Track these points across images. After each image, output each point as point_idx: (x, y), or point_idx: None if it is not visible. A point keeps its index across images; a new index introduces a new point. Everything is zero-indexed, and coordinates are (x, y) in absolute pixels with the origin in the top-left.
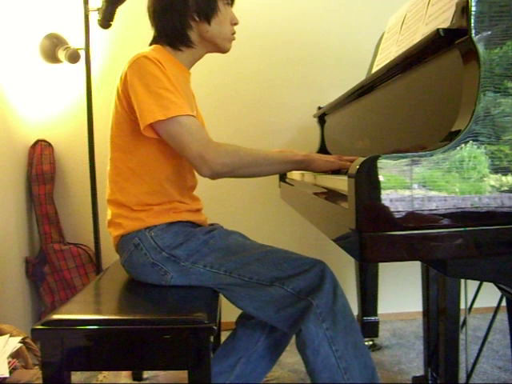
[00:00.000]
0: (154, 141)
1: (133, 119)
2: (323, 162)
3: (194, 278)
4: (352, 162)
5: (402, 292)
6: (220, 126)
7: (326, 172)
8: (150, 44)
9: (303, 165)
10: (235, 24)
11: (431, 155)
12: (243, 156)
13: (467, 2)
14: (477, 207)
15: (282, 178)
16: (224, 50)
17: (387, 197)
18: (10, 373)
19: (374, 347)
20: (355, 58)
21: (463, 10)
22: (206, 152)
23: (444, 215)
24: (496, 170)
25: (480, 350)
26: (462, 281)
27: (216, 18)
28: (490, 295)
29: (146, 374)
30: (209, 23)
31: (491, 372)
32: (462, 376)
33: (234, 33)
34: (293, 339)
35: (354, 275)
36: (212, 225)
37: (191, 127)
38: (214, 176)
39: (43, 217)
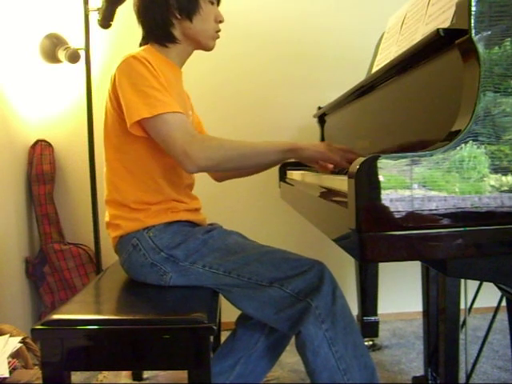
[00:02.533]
0: (147, 139)
1: (123, 118)
2: (312, 152)
3: (193, 278)
4: (343, 151)
5: (402, 292)
6: (220, 125)
7: (325, 172)
8: (140, 43)
9: (291, 154)
10: (220, 22)
11: (431, 155)
12: (228, 149)
13: (467, 2)
14: (477, 207)
15: (282, 177)
16: (207, 48)
17: (387, 197)
18: (10, 373)
19: (374, 347)
20: (355, 58)
21: (463, 10)
22: (190, 148)
23: (444, 215)
24: (496, 169)
25: (480, 350)
26: (462, 281)
27: (198, 16)
28: (490, 295)
29: (146, 373)
30: (190, 21)
31: (491, 372)
32: (462, 376)
33: (218, 30)
34: (292, 339)
35: (354, 275)
36: (211, 225)
37: (176, 124)
38: (200, 171)
39: (43, 217)
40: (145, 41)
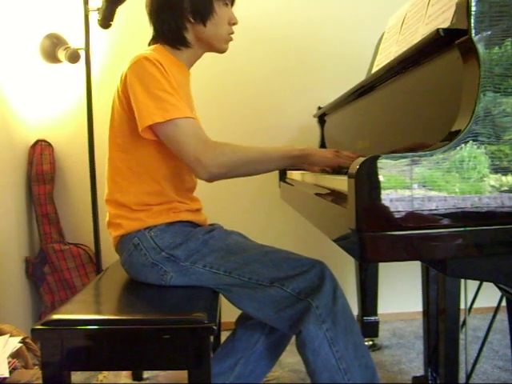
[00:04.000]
0: (153, 141)
1: (132, 119)
2: (320, 158)
3: (194, 278)
4: (351, 157)
5: (402, 292)
6: (220, 125)
7: (325, 171)
8: (150, 43)
9: (300, 160)
10: (234, 24)
11: (431, 155)
12: (240, 156)
13: (467, 1)
14: (477, 207)
15: (282, 177)
16: (220, 51)
17: (387, 197)
18: (10, 373)
19: (374, 347)
20: (355, 59)
21: (463, 10)
22: (203, 154)
23: (444, 215)
24: (496, 169)
25: (480, 350)
26: (462, 281)
27: (212, 20)
28: (490, 295)
29: (146, 373)
30: (204, 25)
31: (491, 372)
32: (462, 376)
33: (231, 33)
34: (293, 339)
35: (354, 275)
36: (212, 225)
37: (189, 130)
38: (212, 178)
39: (43, 217)
40: (154, 41)
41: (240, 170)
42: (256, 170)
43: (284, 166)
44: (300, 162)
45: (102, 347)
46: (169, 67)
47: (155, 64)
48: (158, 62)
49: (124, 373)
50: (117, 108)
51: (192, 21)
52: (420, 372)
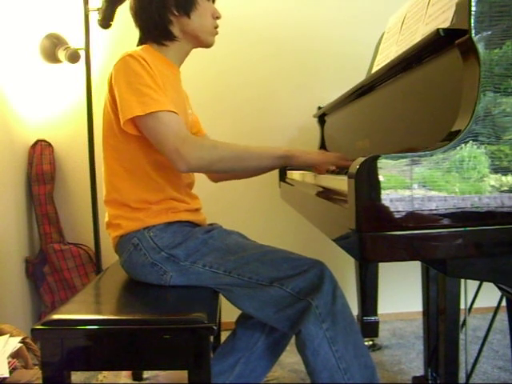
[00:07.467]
0: (141, 138)
1: (118, 117)
2: (305, 158)
3: (194, 277)
4: (339, 158)
5: (402, 292)
6: (219, 125)
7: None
8: (137, 45)
9: (284, 160)
10: (217, 18)
11: (431, 155)
12: (220, 151)
13: (467, 2)
14: (477, 207)
15: (282, 177)
16: (207, 44)
17: (387, 197)
18: (10, 373)
19: (374, 347)
20: (355, 58)
21: (463, 10)
22: (182, 147)
23: (444, 215)
24: (496, 169)
25: (480, 350)
26: (462, 281)
27: (195, 12)
28: (490, 295)
29: (146, 373)
30: (188, 17)
31: (491, 372)
32: (462, 376)
33: (216, 26)
34: (293, 339)
35: (354, 275)
36: (211, 225)
37: (169, 123)
38: (191, 171)
39: (43, 217)
40: (142, 42)
41: (220, 164)
42: (238, 167)
43: (268, 165)
44: (285, 163)
45: (102, 347)
46: (155, 64)
47: (139, 60)
48: (143, 58)
49: (124, 373)
50: (107, 107)
51: (176, 13)
52: (420, 372)
